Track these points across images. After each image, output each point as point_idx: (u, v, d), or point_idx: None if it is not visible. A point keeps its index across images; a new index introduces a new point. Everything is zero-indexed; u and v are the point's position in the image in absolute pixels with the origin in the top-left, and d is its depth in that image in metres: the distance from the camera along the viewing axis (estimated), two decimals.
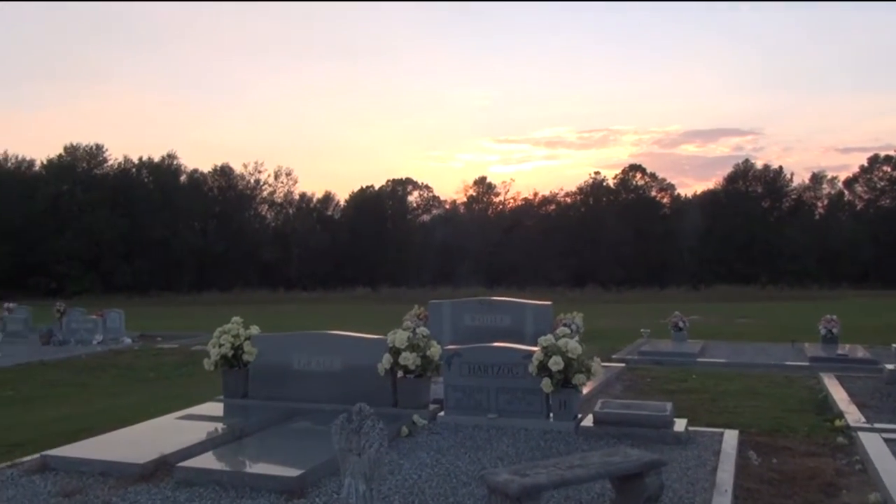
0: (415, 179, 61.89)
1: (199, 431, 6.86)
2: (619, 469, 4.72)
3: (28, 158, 54.57)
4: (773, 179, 55.56)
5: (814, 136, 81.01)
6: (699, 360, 12.78)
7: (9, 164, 53.80)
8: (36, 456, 6.35)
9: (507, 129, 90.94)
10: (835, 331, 13.77)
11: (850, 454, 6.59)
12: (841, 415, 7.93)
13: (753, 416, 8.14)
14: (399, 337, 7.60)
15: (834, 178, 56.25)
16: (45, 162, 53.80)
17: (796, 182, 56.05)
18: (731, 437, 6.88)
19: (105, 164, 54.74)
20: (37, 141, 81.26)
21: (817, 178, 56.14)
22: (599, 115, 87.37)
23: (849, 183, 55.80)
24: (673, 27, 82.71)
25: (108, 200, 50.41)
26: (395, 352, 7.57)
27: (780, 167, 56.17)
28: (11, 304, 20.82)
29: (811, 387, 10.02)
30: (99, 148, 54.50)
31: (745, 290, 40.11)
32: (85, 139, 63.23)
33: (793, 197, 55.75)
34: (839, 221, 53.55)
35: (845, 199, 55.90)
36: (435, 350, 7.67)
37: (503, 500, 4.29)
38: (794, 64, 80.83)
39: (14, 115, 75.85)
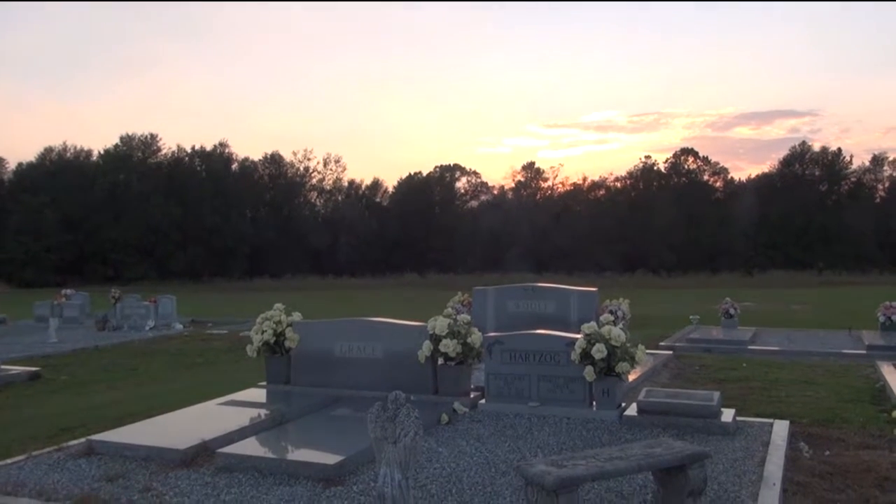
0: (463, 165, 61.80)
1: (240, 417, 6.90)
2: (660, 461, 4.58)
3: (86, 149, 56.10)
4: (830, 162, 53.86)
5: (874, 116, 78.42)
6: (750, 347, 12.47)
7: (68, 155, 55.29)
8: (82, 440, 6.48)
9: (557, 113, 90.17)
10: (894, 318, 13.29)
11: None
12: None
13: (806, 406, 7.88)
14: (440, 324, 7.54)
15: None
16: (102, 152, 55.23)
17: (856, 164, 54.25)
18: (781, 428, 6.66)
19: (159, 154, 55.98)
20: (94, 132, 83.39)
21: (878, 160, 54.24)
22: (651, 99, 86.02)
23: None
24: (726, 7, 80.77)
25: (162, 189, 51.50)
26: (436, 339, 7.52)
27: (839, 149, 54.45)
28: (69, 291, 21.46)
29: (868, 376, 9.68)
30: (153, 137, 55.79)
31: (801, 276, 39.15)
32: (140, 129, 64.62)
33: (852, 180, 53.97)
34: None
35: None
36: (476, 337, 7.59)
37: (539, 491, 4.19)
38: (852, 42, 78.32)
39: (72, 107, 77.99)
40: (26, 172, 53.02)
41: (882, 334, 12.92)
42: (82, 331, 17.54)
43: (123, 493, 5.23)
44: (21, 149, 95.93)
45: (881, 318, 13.42)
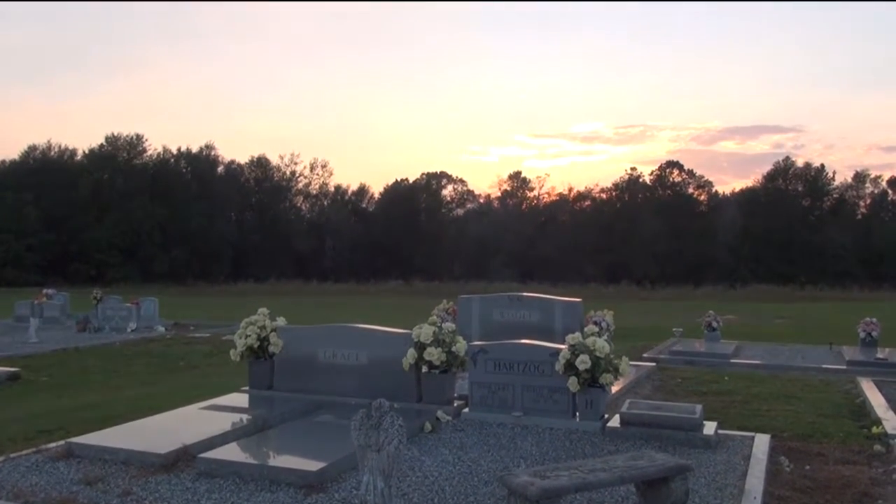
0: (449, 173, 61.98)
1: (221, 422, 6.85)
2: (643, 474, 4.60)
3: (71, 148, 55.67)
4: (814, 178, 54.46)
5: (857, 133, 79.55)
6: (733, 361, 12.50)
7: (52, 154, 54.84)
8: (61, 443, 6.41)
9: (543, 123, 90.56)
10: (874, 334, 13.38)
11: (887, 462, 6.37)
12: (878, 421, 7.68)
13: (787, 421, 7.92)
14: (424, 332, 7.53)
15: (877, 178, 55.04)
16: (87, 152, 54.87)
17: (838, 181, 55.02)
18: (762, 442, 6.69)
19: (144, 154, 55.71)
20: (79, 131, 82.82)
21: (860, 177, 54.94)
22: (637, 111, 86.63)
23: (893, 182, 54.49)
24: (713, 21, 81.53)
25: (147, 190, 51.20)
26: (420, 347, 7.50)
27: (822, 165, 55.20)
28: (50, 291, 21.24)
29: (848, 391, 9.75)
30: (139, 138, 55.49)
31: (783, 291, 39.41)
32: (125, 129, 64.16)
33: (834, 196, 54.62)
34: (882, 222, 52.33)
35: (889, 198, 54.58)
36: (460, 346, 7.58)
37: (522, 502, 4.20)
38: (837, 60, 79.28)
39: (58, 105, 77.46)
40: (9, 170, 52.55)
41: (862, 350, 13.00)
42: (63, 331, 17.37)
43: (103, 497, 5.18)
44: (4, 146, 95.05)
45: (861, 334, 13.51)
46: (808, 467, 6.19)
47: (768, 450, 6.48)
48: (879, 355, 12.21)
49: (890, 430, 7.24)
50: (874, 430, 7.39)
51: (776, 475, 5.94)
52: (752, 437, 6.82)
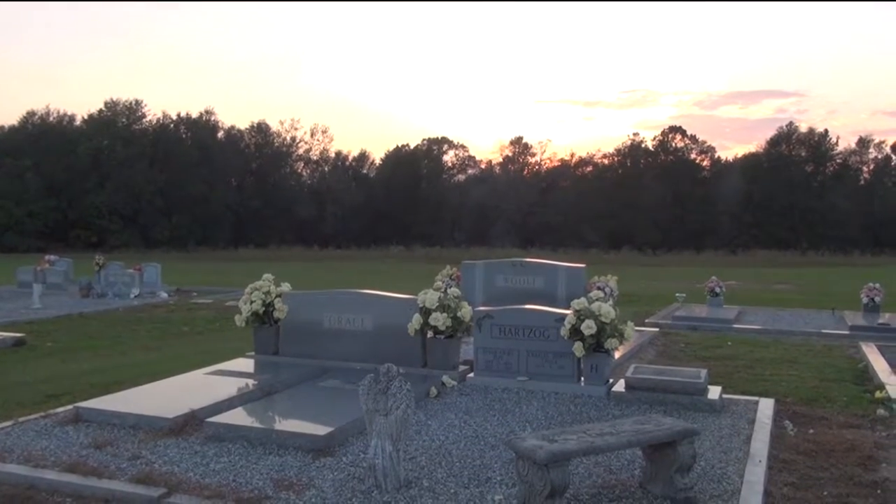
0: (451, 139, 61.54)
1: (228, 387, 6.89)
2: (650, 438, 4.61)
3: (70, 113, 55.19)
4: (817, 143, 54.03)
5: (861, 98, 78.79)
6: (735, 326, 12.56)
7: (51, 119, 54.43)
8: (69, 407, 6.45)
9: (545, 88, 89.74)
10: (877, 299, 13.43)
11: (890, 427, 6.41)
12: (882, 386, 7.72)
13: (790, 385, 7.96)
14: (430, 297, 7.53)
15: (881, 143, 54.53)
16: (85, 117, 54.42)
17: (841, 146, 54.48)
18: (766, 406, 6.72)
19: (144, 120, 55.24)
20: (78, 96, 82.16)
21: (864, 142, 54.48)
22: (639, 75, 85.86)
23: None
24: None
25: (146, 156, 50.88)
26: (426, 312, 7.51)
27: (825, 130, 54.62)
28: (52, 257, 21.21)
29: (851, 356, 9.79)
30: (138, 103, 55.00)
31: (785, 256, 39.44)
32: (124, 94, 63.67)
33: (837, 161, 54.22)
34: (885, 187, 52.06)
35: (892, 164, 54.22)
36: (465, 311, 7.59)
37: (530, 465, 4.22)
38: (840, 23, 78.32)
39: (56, 70, 76.75)
40: (8, 136, 52.16)
41: (865, 315, 13.05)
42: (66, 297, 17.40)
43: (112, 460, 5.21)
44: (2, 112, 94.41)
45: (864, 299, 13.55)
46: (812, 431, 6.23)
47: (772, 414, 6.51)
48: (882, 321, 12.25)
49: (893, 395, 7.26)
50: (877, 394, 7.43)
51: (781, 439, 5.98)
52: (757, 402, 6.86)
